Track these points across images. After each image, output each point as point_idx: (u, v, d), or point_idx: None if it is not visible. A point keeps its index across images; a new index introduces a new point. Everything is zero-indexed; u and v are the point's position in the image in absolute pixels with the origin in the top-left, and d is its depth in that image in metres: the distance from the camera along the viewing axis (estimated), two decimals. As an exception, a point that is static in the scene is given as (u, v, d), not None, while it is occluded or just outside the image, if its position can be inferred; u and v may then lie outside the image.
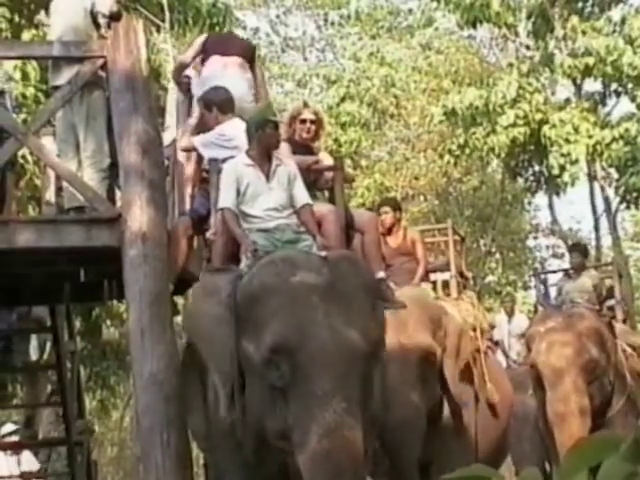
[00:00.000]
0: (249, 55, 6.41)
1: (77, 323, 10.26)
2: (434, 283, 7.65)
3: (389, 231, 7.49)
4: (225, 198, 5.12)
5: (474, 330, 7.19)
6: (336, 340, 4.27)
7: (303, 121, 5.99)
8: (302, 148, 5.88)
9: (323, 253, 4.70)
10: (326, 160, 6.06)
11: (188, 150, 5.96)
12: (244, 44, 6.68)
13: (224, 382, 4.54)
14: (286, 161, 5.20)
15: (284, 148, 5.62)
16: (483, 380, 7.03)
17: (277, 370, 4.30)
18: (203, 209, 5.71)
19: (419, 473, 6.42)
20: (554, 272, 10.41)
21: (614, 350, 7.47)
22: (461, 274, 8.07)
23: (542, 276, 10.20)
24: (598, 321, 7.63)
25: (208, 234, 5.54)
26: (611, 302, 8.90)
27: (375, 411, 4.57)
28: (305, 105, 6.17)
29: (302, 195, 5.10)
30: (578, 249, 9.18)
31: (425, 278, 7.40)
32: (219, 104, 5.86)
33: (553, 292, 9.20)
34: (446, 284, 7.80)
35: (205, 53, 6.34)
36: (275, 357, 4.30)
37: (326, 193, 5.88)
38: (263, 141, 5.15)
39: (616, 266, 9.88)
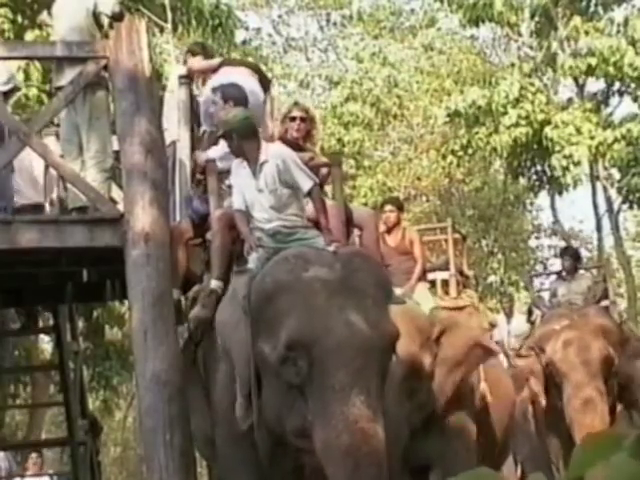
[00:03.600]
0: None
1: (80, 323, 10.27)
2: (433, 282, 7.63)
3: (389, 230, 7.49)
4: (236, 199, 5.09)
5: None
6: (352, 334, 4.27)
7: (293, 119, 5.99)
8: (295, 147, 5.86)
9: (332, 247, 4.68)
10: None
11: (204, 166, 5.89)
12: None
13: (242, 386, 4.51)
14: (272, 154, 5.01)
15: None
16: (478, 381, 7.02)
17: (294, 367, 4.28)
18: (203, 208, 5.70)
19: (417, 477, 6.43)
20: (550, 274, 10.43)
21: (624, 351, 7.49)
22: (461, 273, 8.05)
23: (535, 279, 10.21)
24: (610, 320, 7.67)
25: (208, 235, 5.52)
26: (605, 302, 8.93)
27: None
28: (295, 104, 6.17)
29: (303, 181, 4.93)
30: (569, 253, 9.21)
31: (423, 277, 7.39)
32: (234, 100, 5.88)
33: (546, 295, 9.22)
34: (445, 283, 7.78)
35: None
36: (291, 353, 4.29)
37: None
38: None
39: (608, 267, 9.91)
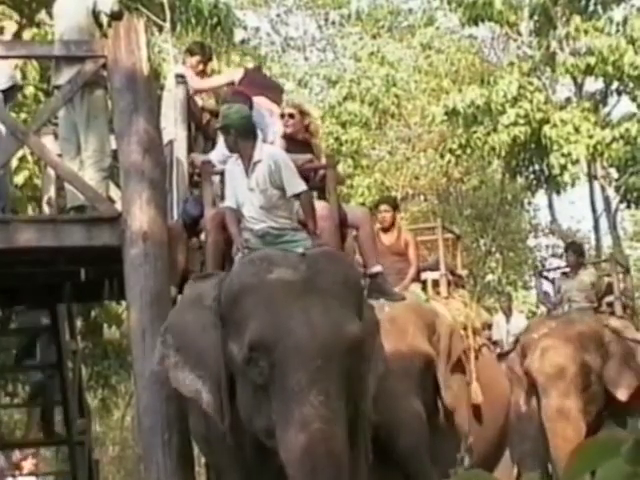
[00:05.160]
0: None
1: (78, 323, 10.26)
2: (424, 282, 7.63)
3: (385, 229, 7.49)
4: (228, 197, 5.15)
5: (465, 329, 7.19)
6: (312, 335, 4.31)
7: (282, 116, 6.10)
8: (297, 143, 5.91)
9: (300, 250, 4.70)
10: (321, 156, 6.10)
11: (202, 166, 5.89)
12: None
13: (215, 388, 4.57)
14: (266, 154, 5.06)
15: (279, 145, 5.65)
16: (470, 380, 7.03)
17: (257, 367, 4.36)
18: (195, 211, 5.69)
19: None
20: (555, 269, 10.41)
21: (614, 353, 7.47)
22: (452, 272, 8.02)
23: (543, 274, 10.19)
24: (595, 325, 7.64)
25: (202, 236, 5.53)
26: (610, 298, 8.92)
27: (367, 410, 4.59)
28: (286, 103, 6.27)
29: (291, 185, 4.98)
30: (573, 248, 9.20)
31: (416, 278, 7.40)
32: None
33: (552, 290, 9.21)
34: (436, 283, 7.77)
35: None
36: (254, 354, 4.36)
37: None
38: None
39: (614, 262, 9.88)
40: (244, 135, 5.07)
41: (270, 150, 5.15)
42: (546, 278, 9.75)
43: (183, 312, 4.87)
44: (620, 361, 7.54)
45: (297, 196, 5.00)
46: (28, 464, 10.03)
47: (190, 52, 7.03)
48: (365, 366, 4.59)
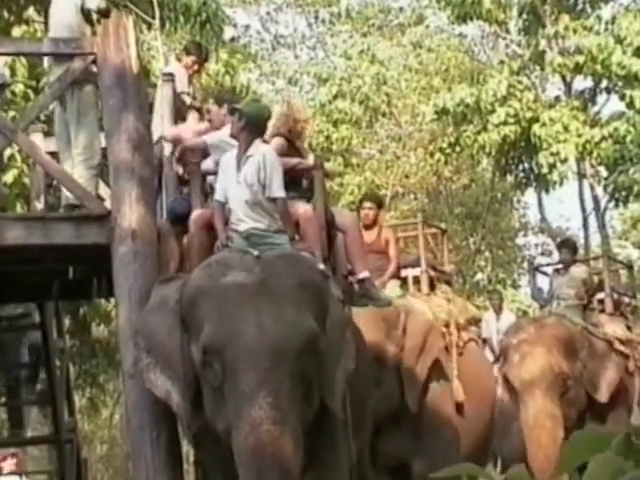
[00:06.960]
0: None
1: (66, 321, 10.23)
2: (404, 279, 7.60)
3: (367, 227, 7.48)
4: (218, 189, 5.19)
5: (447, 326, 7.16)
6: (261, 337, 4.37)
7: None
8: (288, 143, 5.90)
9: (256, 254, 4.71)
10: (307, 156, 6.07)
11: (194, 148, 5.81)
12: None
13: (183, 389, 4.63)
14: (259, 151, 5.10)
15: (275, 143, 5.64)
16: (451, 377, 7.01)
17: (212, 370, 4.44)
18: (181, 209, 5.65)
19: (398, 474, 6.44)
20: (549, 265, 10.42)
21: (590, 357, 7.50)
22: (434, 268, 7.98)
23: (540, 269, 10.18)
24: (572, 329, 7.66)
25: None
26: (601, 295, 8.93)
27: (336, 409, 4.60)
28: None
29: (272, 187, 5.02)
30: (567, 245, 9.20)
31: (396, 275, 7.38)
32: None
33: (546, 287, 9.21)
34: (417, 280, 7.74)
35: None
36: (208, 357, 4.45)
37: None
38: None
39: (606, 259, 9.90)
40: (249, 128, 5.12)
41: (264, 148, 5.17)
42: (543, 273, 9.75)
43: (150, 315, 4.94)
44: (597, 363, 7.56)
45: (274, 200, 5.05)
46: (8, 464, 9.98)
47: (186, 51, 7.02)
48: (331, 361, 4.60)
